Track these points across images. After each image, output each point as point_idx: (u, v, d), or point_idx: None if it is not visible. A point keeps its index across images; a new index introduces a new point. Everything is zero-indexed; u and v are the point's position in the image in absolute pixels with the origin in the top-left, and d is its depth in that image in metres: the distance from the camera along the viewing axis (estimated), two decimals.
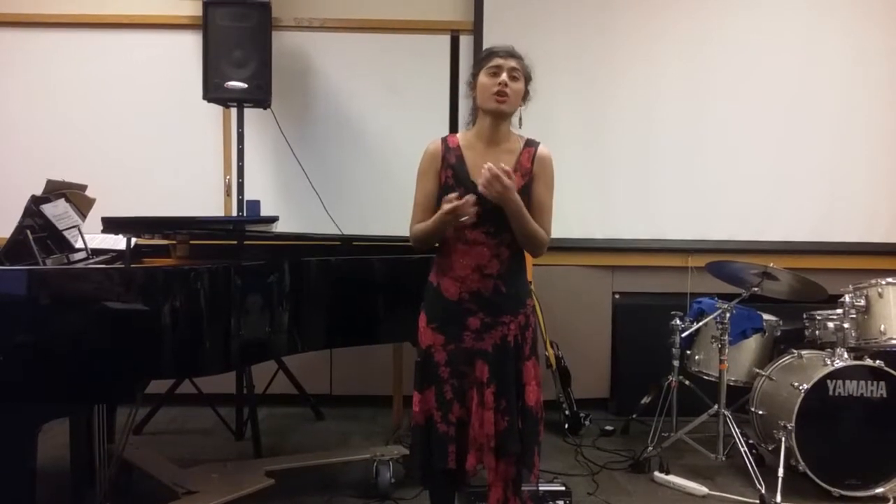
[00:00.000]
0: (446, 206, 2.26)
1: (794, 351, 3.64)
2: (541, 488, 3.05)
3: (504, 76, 2.35)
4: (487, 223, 2.37)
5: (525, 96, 2.43)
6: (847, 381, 3.34)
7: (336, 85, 4.50)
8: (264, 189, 4.45)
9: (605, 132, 4.48)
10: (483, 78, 2.38)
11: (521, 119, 2.46)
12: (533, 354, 2.49)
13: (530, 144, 2.46)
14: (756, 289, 3.61)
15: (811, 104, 4.47)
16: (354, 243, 3.52)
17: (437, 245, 2.48)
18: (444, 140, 2.46)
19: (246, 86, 3.96)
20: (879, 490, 3.32)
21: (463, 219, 2.28)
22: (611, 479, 3.56)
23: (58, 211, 2.88)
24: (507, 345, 2.42)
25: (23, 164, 4.34)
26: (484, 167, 2.28)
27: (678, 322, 3.76)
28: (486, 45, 3.76)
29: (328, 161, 4.49)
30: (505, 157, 2.40)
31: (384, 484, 3.28)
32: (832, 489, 3.30)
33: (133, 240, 2.70)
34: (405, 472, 3.36)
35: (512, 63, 2.37)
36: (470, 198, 2.27)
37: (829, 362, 3.37)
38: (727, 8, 4.45)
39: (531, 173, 2.42)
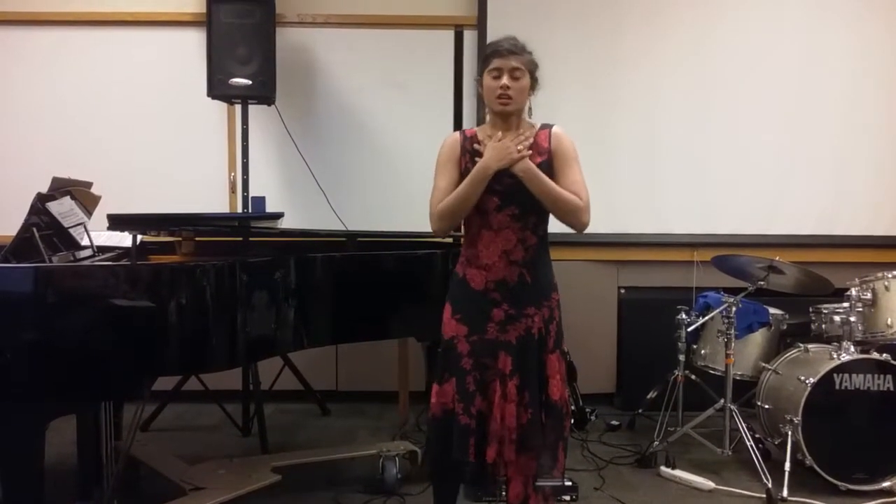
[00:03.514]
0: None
1: (801, 345, 3.64)
2: (546, 483, 3.05)
3: (505, 79, 2.35)
4: (512, 205, 2.39)
5: (533, 85, 2.44)
6: (854, 375, 3.32)
7: (340, 81, 4.50)
8: (269, 185, 4.46)
9: (610, 127, 4.46)
10: (487, 80, 2.40)
11: (530, 108, 2.47)
12: (557, 348, 2.49)
13: (545, 127, 2.49)
14: (762, 283, 3.60)
15: (816, 98, 4.45)
16: (359, 239, 3.52)
17: (462, 238, 2.50)
18: (462, 132, 2.51)
19: (250, 82, 3.96)
20: (886, 484, 3.30)
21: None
22: (617, 474, 3.56)
23: (63, 208, 2.88)
24: (531, 337, 2.43)
25: (28, 161, 4.35)
26: (492, 140, 2.36)
27: (684, 316, 3.75)
28: (489, 40, 3.74)
29: (332, 157, 4.49)
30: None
31: (390, 480, 3.27)
32: (839, 483, 3.29)
33: (139, 237, 2.70)
34: (415, 467, 3.37)
35: (513, 62, 2.37)
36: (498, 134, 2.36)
37: (835, 356, 3.36)
38: (732, 2, 4.43)
39: (550, 152, 2.43)
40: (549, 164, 2.42)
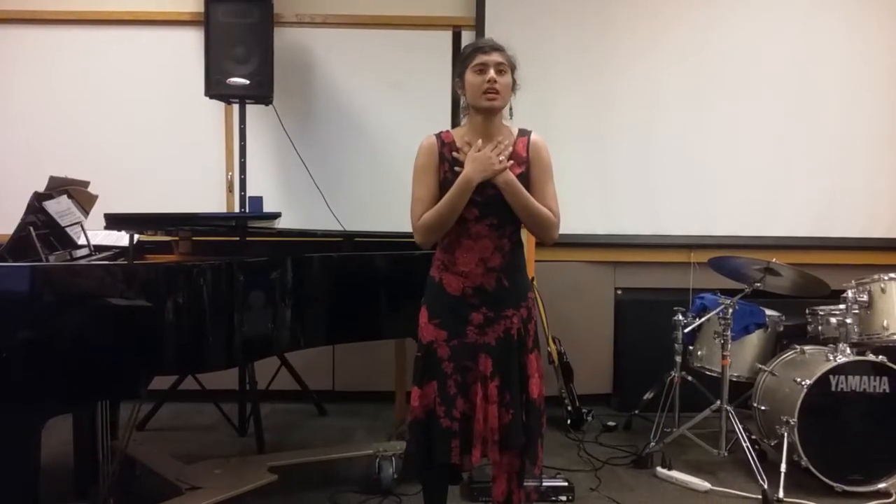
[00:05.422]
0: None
1: (797, 346, 3.64)
2: (543, 483, 3.06)
3: (491, 72, 2.33)
4: (491, 215, 2.38)
5: (513, 85, 2.41)
6: (850, 377, 3.33)
7: (338, 81, 4.50)
8: (266, 185, 4.46)
9: (607, 128, 4.47)
10: (470, 76, 2.37)
11: (511, 109, 2.44)
12: (535, 347, 2.49)
13: (523, 134, 2.46)
14: (759, 284, 3.61)
15: (813, 99, 4.47)
16: (357, 239, 3.52)
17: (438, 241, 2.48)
18: (439, 136, 2.46)
19: (248, 82, 3.96)
20: (882, 485, 3.31)
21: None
22: (613, 475, 3.56)
23: (60, 207, 2.88)
24: (510, 338, 2.43)
25: (25, 160, 4.35)
26: (472, 150, 2.33)
27: (681, 318, 3.76)
28: None
29: (330, 157, 4.50)
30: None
31: (387, 480, 3.28)
32: (835, 484, 3.30)
33: (136, 236, 2.70)
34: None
35: (497, 57, 2.35)
36: (479, 143, 2.35)
37: (831, 358, 3.37)
38: (729, 4, 4.44)
39: (528, 161, 2.42)
40: (527, 175, 2.41)
